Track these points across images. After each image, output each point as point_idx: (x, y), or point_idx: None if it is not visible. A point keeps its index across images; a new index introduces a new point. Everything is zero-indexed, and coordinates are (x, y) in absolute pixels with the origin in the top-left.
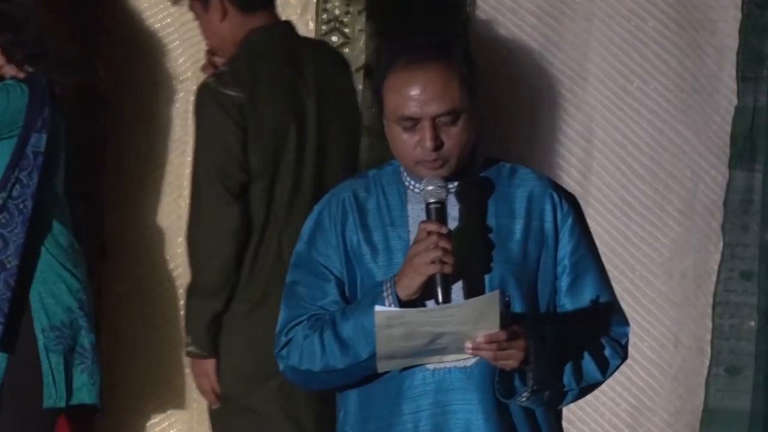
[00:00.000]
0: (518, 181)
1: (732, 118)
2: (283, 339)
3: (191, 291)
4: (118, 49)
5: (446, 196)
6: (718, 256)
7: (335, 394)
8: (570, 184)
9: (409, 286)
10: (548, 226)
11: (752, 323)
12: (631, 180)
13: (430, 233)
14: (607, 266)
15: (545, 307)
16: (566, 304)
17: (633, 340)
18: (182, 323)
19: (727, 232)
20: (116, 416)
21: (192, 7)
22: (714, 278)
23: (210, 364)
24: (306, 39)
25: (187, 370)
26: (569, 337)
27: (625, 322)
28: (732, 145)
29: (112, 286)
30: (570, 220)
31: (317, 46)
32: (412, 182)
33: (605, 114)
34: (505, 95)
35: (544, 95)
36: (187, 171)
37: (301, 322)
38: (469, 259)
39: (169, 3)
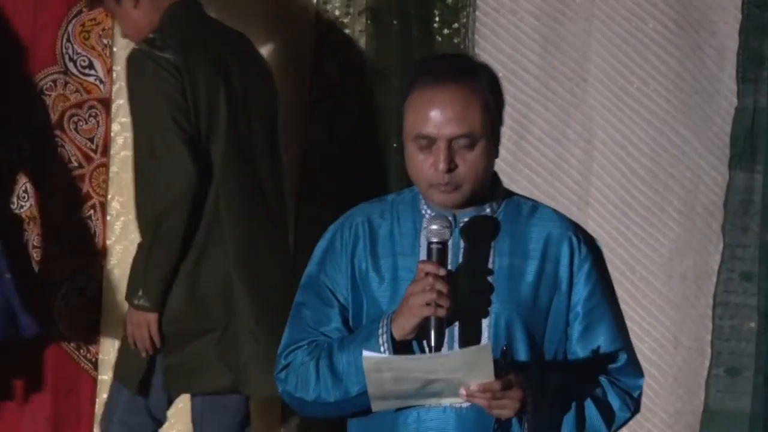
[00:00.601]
0: (537, 221)
1: (732, 119)
2: (282, 362)
3: (151, 244)
4: (119, 50)
5: (450, 236)
6: (718, 257)
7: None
8: (570, 184)
9: (404, 327)
10: (563, 270)
11: (752, 324)
12: (631, 181)
13: (427, 274)
14: (608, 267)
15: (554, 353)
16: (577, 352)
17: (633, 341)
18: None
19: (727, 233)
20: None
21: (107, 7)
22: (714, 279)
23: (154, 316)
24: (215, 19)
25: None
26: (574, 386)
27: (638, 374)
28: (732, 146)
29: (113, 287)
30: (587, 266)
31: (227, 26)
32: (429, 211)
33: (605, 115)
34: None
35: (544, 96)
36: None
37: (301, 346)
38: (472, 298)
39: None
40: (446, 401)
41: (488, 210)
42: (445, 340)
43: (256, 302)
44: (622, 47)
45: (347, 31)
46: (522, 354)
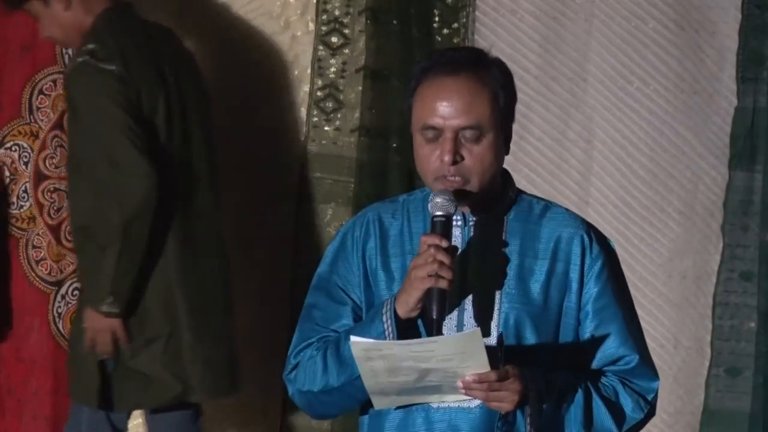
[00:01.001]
0: (548, 221)
1: (732, 118)
2: (292, 361)
3: (120, 251)
4: None
5: (455, 211)
6: (718, 257)
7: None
8: (570, 184)
9: (407, 301)
10: (574, 269)
11: (752, 324)
12: (630, 181)
13: (429, 246)
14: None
15: (566, 353)
16: (587, 351)
17: None
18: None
19: (727, 232)
20: None
21: (31, 9)
22: (714, 279)
23: (119, 322)
24: (145, 20)
25: None
26: (583, 385)
27: (652, 377)
28: (732, 145)
29: None
30: (598, 265)
31: (156, 24)
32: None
33: (605, 115)
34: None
35: (544, 96)
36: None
37: (311, 344)
38: (483, 297)
39: (168, 4)
40: (451, 398)
41: (499, 208)
42: (452, 318)
43: (196, 307)
44: (622, 47)
45: (347, 31)
46: (532, 353)
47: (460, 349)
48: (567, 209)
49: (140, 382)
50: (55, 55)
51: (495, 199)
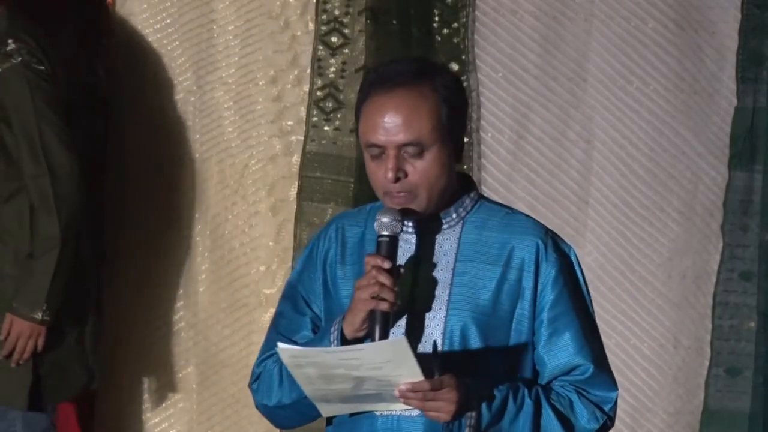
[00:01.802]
0: (506, 228)
1: (731, 118)
2: (256, 371)
3: (58, 261)
4: (118, 50)
5: (401, 230)
6: (717, 257)
7: None
8: (569, 184)
9: (352, 322)
10: (528, 277)
11: (752, 324)
12: (630, 181)
13: (372, 267)
14: (607, 267)
15: (519, 362)
16: (543, 361)
17: (633, 341)
18: (182, 323)
19: (727, 232)
20: (116, 416)
21: None
22: (714, 279)
23: (45, 328)
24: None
25: (189, 369)
26: (533, 397)
27: (610, 387)
28: (731, 145)
29: (112, 286)
30: (553, 273)
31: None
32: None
33: (605, 115)
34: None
35: (544, 96)
36: (188, 171)
37: (272, 355)
38: (424, 304)
39: (168, 4)
40: (397, 407)
41: (454, 215)
42: (400, 325)
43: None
44: (622, 47)
45: (347, 31)
46: (477, 360)
47: (387, 357)
48: (529, 217)
49: (60, 375)
50: None
51: (450, 204)
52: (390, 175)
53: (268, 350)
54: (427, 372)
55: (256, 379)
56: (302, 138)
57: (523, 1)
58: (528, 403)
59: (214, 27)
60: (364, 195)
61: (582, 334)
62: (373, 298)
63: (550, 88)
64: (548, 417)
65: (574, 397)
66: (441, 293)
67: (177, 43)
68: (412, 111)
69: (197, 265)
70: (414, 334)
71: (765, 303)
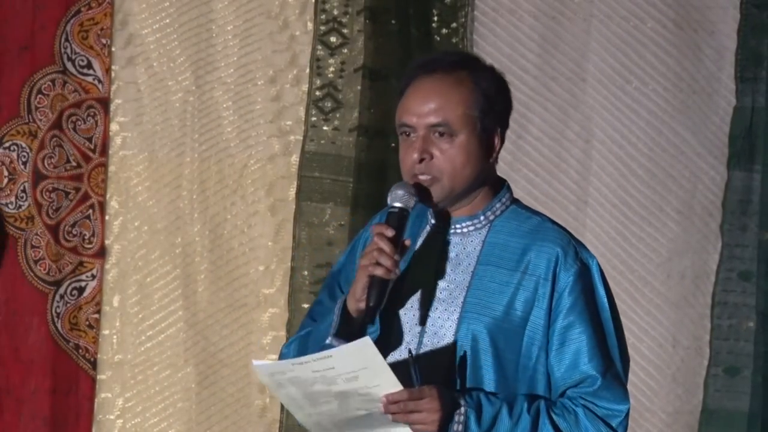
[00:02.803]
0: (531, 234)
1: (730, 118)
2: (283, 351)
3: None
4: (117, 50)
5: (413, 205)
6: (716, 257)
7: None
8: (568, 184)
9: (354, 291)
10: (544, 285)
11: (751, 324)
12: (629, 180)
13: (376, 235)
14: (606, 267)
15: (533, 369)
16: (553, 371)
17: (632, 340)
18: (181, 323)
19: (726, 232)
20: (115, 415)
21: None
22: (713, 279)
23: None
24: None
25: (188, 369)
26: (532, 410)
27: (620, 399)
28: (730, 145)
29: (111, 286)
30: (570, 282)
31: None
32: (433, 220)
33: (604, 114)
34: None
35: (543, 95)
36: (187, 171)
37: (299, 337)
38: (440, 305)
39: (167, 4)
40: (397, 431)
41: (482, 218)
42: (412, 330)
43: None
44: (621, 47)
45: (346, 30)
46: (489, 367)
47: (360, 364)
48: (557, 225)
49: None
50: (53, 54)
51: (478, 205)
52: (415, 155)
53: (296, 333)
54: (406, 380)
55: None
56: (301, 138)
57: (522, 1)
58: (525, 417)
59: (213, 27)
60: (363, 195)
61: (593, 345)
62: (372, 264)
63: (549, 88)
64: (546, 430)
65: (580, 412)
66: (458, 295)
67: (176, 43)
68: (444, 94)
69: (196, 265)
70: (426, 334)
71: (764, 303)
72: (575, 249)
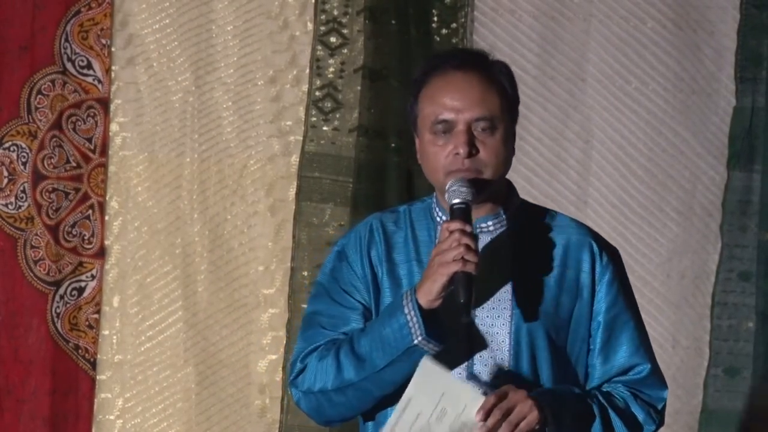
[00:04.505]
0: (556, 228)
1: (730, 118)
2: (299, 366)
3: None
4: (117, 50)
5: (473, 198)
6: (716, 257)
7: None
8: (568, 184)
9: (431, 289)
10: (585, 276)
11: (750, 324)
12: (629, 181)
13: (452, 232)
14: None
15: (575, 362)
16: (599, 362)
17: None
18: (181, 323)
19: (726, 232)
20: (114, 415)
21: None
22: (712, 279)
23: None
24: None
25: (188, 369)
26: (597, 402)
27: (662, 386)
28: (730, 145)
29: (111, 287)
30: (609, 274)
31: None
32: (444, 218)
33: (603, 114)
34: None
35: (543, 96)
36: (187, 171)
37: (317, 347)
38: (494, 308)
39: (167, 4)
40: None
41: (505, 215)
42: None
43: None
44: (621, 47)
45: (346, 31)
46: (544, 362)
47: (438, 391)
48: (573, 218)
49: None
50: (53, 54)
51: (498, 204)
52: (463, 150)
53: (309, 345)
54: (482, 389)
55: (299, 373)
56: (301, 138)
57: (521, 1)
58: (596, 408)
59: (213, 27)
60: (363, 195)
61: (638, 334)
62: (455, 260)
63: (548, 88)
64: (615, 420)
65: (630, 399)
66: (504, 294)
67: (176, 43)
68: (485, 88)
69: (196, 265)
70: (479, 333)
71: (764, 303)
72: (603, 239)
